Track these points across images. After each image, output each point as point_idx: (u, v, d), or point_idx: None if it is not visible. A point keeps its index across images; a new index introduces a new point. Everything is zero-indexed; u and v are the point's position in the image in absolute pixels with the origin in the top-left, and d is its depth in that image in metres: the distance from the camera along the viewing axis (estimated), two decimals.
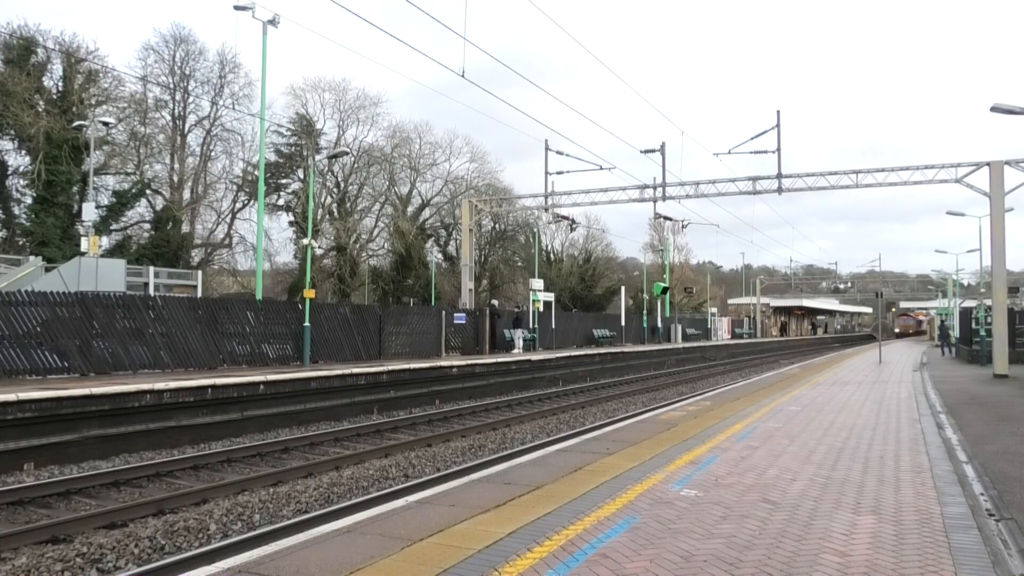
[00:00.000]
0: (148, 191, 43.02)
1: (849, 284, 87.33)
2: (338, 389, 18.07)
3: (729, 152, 29.80)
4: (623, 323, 43.74)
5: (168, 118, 44.96)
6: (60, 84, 38.08)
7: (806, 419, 12.54)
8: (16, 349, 14.63)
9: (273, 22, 23.17)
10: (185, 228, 44.83)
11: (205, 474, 11.72)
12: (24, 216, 37.10)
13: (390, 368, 19.96)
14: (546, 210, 34.82)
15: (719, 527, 5.88)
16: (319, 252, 47.63)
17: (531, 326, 32.79)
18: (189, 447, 13.88)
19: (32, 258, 28.60)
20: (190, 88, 45.39)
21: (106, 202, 39.82)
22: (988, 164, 24.93)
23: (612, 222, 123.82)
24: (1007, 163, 24.61)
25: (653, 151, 29.82)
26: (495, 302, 34.06)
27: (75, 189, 36.62)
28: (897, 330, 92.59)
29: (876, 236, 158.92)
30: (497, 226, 59.07)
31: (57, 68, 38.23)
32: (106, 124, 31.24)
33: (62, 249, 33.63)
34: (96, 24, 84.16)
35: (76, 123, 33.37)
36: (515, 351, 29.52)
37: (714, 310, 66.65)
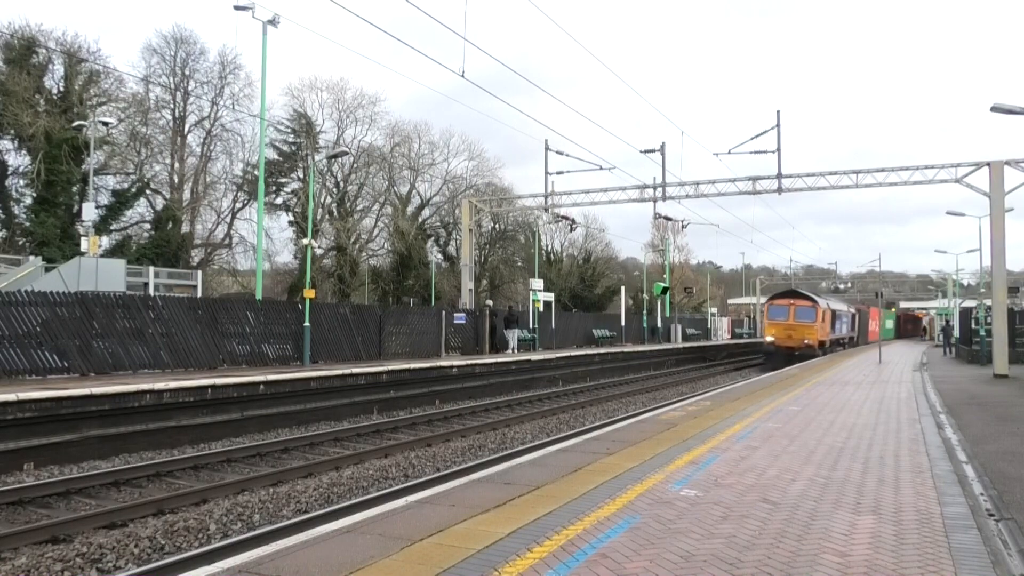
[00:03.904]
0: (148, 191, 43.08)
1: (849, 284, 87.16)
2: (338, 389, 18.07)
3: (729, 152, 29.78)
4: (623, 323, 43.72)
5: (168, 118, 45.05)
6: (61, 84, 38.12)
7: (806, 419, 12.54)
8: (16, 349, 14.63)
9: (273, 22, 23.17)
10: (185, 228, 44.86)
11: (205, 474, 11.72)
12: (24, 216, 37.12)
13: (390, 368, 19.96)
14: (546, 210, 34.82)
15: (719, 527, 5.88)
16: (319, 252, 47.65)
17: (531, 326, 32.76)
18: (189, 447, 13.88)
19: (32, 258, 28.62)
20: (190, 88, 45.50)
21: (106, 202, 39.85)
22: (988, 164, 24.93)
23: (612, 222, 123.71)
24: (1007, 163, 24.60)
25: (653, 151, 29.81)
26: (490, 302, 33.99)
27: (75, 189, 36.64)
28: (770, 338, 37.20)
29: (872, 238, 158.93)
30: (497, 226, 59.09)
31: (58, 68, 38.29)
32: (106, 124, 31.25)
33: (62, 249, 33.64)
34: (98, 24, 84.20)
35: (76, 123, 33.39)
36: (508, 351, 29.44)
37: (714, 310, 66.62)
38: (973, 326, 33.99)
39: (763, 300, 52.79)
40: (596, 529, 5.77)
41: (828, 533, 5.75)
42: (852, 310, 49.95)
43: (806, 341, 35.75)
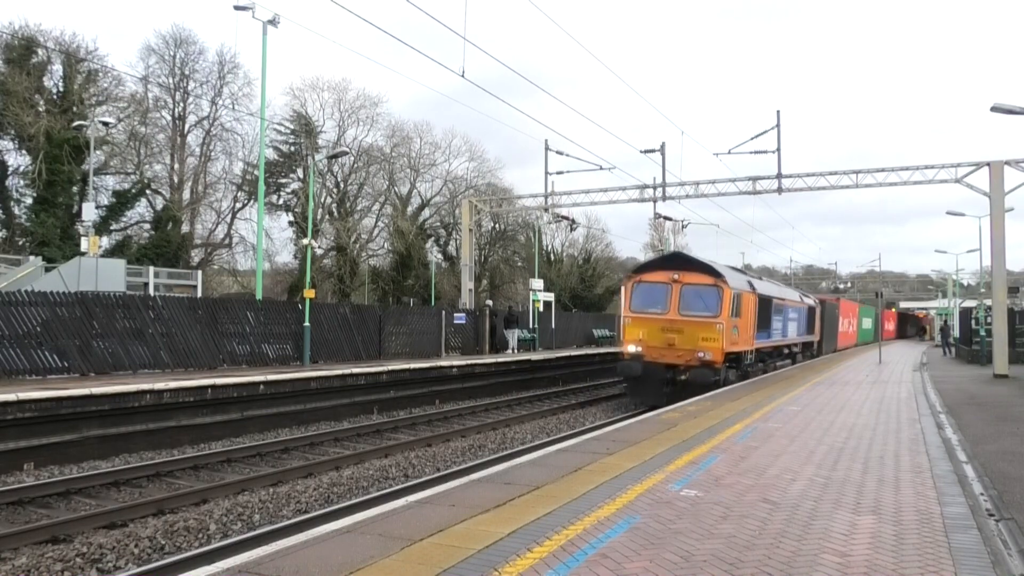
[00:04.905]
0: (148, 191, 43.10)
1: (849, 284, 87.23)
2: (338, 389, 18.07)
3: (729, 152, 29.73)
4: None
5: (168, 118, 45.08)
6: (60, 84, 38.13)
7: (806, 419, 12.53)
8: (16, 349, 14.62)
9: (273, 22, 23.18)
10: (185, 228, 44.89)
11: (205, 474, 11.73)
12: (24, 216, 37.15)
13: (390, 368, 19.96)
14: (546, 210, 34.82)
15: (719, 527, 5.88)
16: (319, 252, 47.66)
17: (531, 326, 32.75)
18: (189, 447, 13.88)
19: (32, 258, 28.66)
20: (190, 88, 45.52)
21: (106, 202, 39.90)
22: (988, 164, 24.92)
23: (612, 222, 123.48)
24: (1007, 163, 24.60)
25: (653, 151, 29.79)
26: (490, 302, 33.99)
27: (75, 189, 36.68)
28: (633, 347, 19.59)
29: (871, 238, 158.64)
30: (497, 226, 59.09)
31: (57, 68, 38.32)
32: (106, 124, 31.26)
33: (62, 249, 33.66)
34: (96, 24, 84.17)
35: (76, 123, 33.42)
36: (508, 351, 29.44)
37: None
38: (973, 326, 34.00)
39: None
40: (596, 529, 5.77)
41: (828, 533, 5.75)
42: (810, 302, 34.02)
43: (701, 353, 18.79)
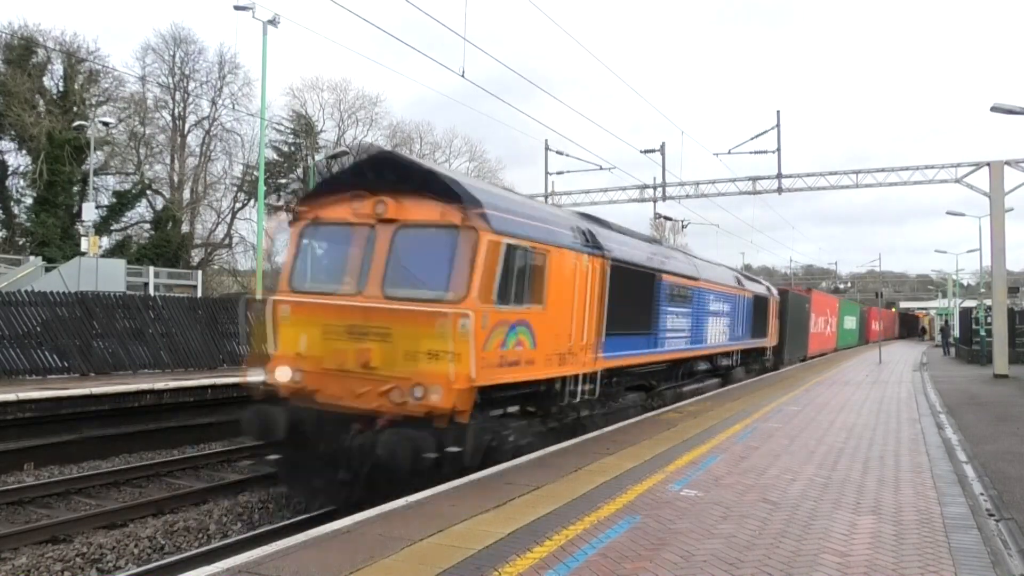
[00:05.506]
0: (148, 191, 43.13)
1: (849, 284, 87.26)
2: None
3: (729, 152, 29.70)
4: None
5: (168, 118, 45.12)
6: (61, 84, 38.18)
7: (806, 419, 12.53)
8: (16, 349, 14.60)
9: (273, 22, 23.20)
10: (185, 228, 44.92)
11: (205, 474, 11.72)
12: (24, 216, 37.18)
13: None
14: None
15: (719, 527, 5.88)
16: None
17: None
18: (189, 447, 13.88)
19: (32, 258, 28.72)
20: (190, 88, 45.53)
21: (106, 202, 39.95)
22: (988, 164, 24.91)
23: None
24: (1007, 163, 24.59)
25: (653, 151, 29.77)
26: None
27: (76, 189, 36.72)
28: (286, 372, 8.31)
29: (871, 238, 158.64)
30: None
31: (58, 68, 38.39)
32: (106, 124, 31.34)
33: (62, 249, 33.69)
34: (96, 24, 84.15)
35: (77, 123, 33.46)
36: None
37: None
38: (973, 326, 33.99)
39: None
40: (596, 529, 5.77)
41: (828, 533, 5.75)
42: (759, 289, 23.64)
43: (415, 390, 7.65)
